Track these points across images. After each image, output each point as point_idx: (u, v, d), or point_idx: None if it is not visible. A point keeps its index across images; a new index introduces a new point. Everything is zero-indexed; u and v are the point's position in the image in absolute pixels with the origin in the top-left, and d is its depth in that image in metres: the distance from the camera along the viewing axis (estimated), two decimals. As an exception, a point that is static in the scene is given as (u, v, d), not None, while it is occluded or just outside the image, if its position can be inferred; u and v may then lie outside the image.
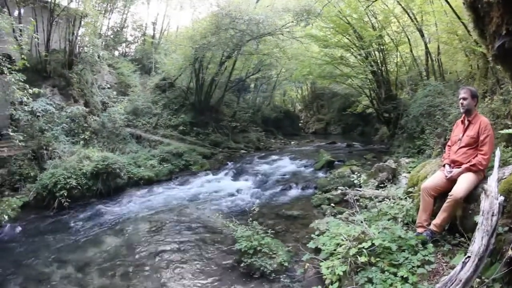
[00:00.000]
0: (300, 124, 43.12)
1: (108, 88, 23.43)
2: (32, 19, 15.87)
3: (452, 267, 4.33)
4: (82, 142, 17.06)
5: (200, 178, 16.83)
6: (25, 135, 13.94)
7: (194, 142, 22.04)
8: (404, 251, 5.02)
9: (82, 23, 20.69)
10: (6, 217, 11.93)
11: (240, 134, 26.48)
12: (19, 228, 11.93)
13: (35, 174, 14.44)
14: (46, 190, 13.32)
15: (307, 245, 6.60)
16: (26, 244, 10.83)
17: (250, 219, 7.93)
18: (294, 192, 13.27)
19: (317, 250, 6.47)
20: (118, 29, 34.00)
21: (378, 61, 19.78)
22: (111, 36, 32.53)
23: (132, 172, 16.14)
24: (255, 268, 6.90)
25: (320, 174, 15.15)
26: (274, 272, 6.77)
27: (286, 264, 6.95)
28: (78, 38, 21.29)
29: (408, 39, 18.19)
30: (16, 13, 17.93)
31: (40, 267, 8.95)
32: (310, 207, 10.99)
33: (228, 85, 27.12)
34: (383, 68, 19.90)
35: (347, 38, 20.19)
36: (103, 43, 25.73)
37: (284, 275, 6.73)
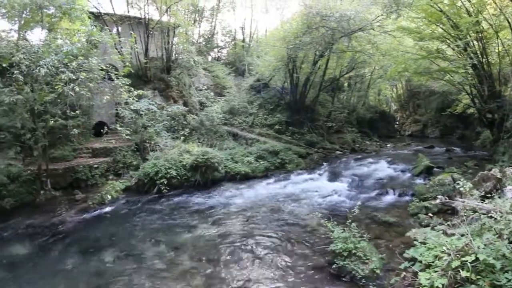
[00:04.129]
0: (395, 126, 41.24)
1: (206, 89, 24.95)
2: (132, 33, 18.70)
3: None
4: (182, 137, 18.68)
5: (296, 176, 17.11)
6: (130, 130, 15.77)
7: (289, 141, 22.36)
8: (508, 272, 4.59)
9: (175, 33, 23.01)
10: (109, 196, 14.13)
11: (335, 135, 26.12)
12: (120, 207, 13.68)
13: (137, 163, 16.69)
14: (148, 177, 15.11)
15: (404, 254, 6.43)
16: (125, 221, 12.23)
17: (349, 220, 7.76)
18: (390, 197, 12.82)
19: (411, 261, 6.25)
20: (209, 36, 36.50)
21: (478, 52, 17.49)
22: (203, 43, 35.03)
23: (229, 167, 17.09)
24: (346, 271, 6.87)
25: (418, 181, 14.33)
26: (364, 278, 6.67)
27: (377, 271, 6.79)
28: (173, 46, 23.53)
29: (509, 22, 16.00)
30: (114, 30, 20.83)
31: (135, 243, 10.05)
32: (406, 215, 10.55)
33: (323, 84, 26.86)
34: (483, 60, 17.54)
35: (441, 28, 18.33)
36: (197, 49, 27.75)
37: (375, 283, 6.62)
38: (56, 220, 12.55)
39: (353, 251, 7.09)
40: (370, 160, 19.66)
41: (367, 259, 7.04)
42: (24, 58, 13.10)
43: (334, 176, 16.50)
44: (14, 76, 12.88)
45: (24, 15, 15.63)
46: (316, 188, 14.68)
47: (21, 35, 16.31)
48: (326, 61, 25.25)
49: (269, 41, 27.88)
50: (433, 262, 5.42)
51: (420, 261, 5.74)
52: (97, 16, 20.16)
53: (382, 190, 13.50)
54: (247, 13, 64.08)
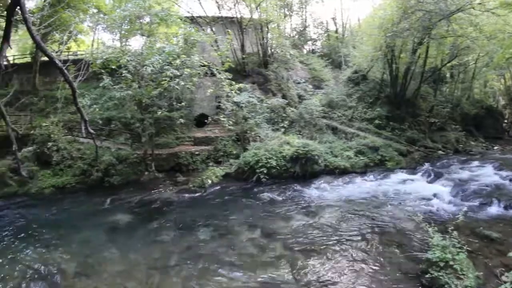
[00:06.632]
0: (504, 125, 35.44)
1: (303, 82, 25.29)
2: (229, 31, 20.12)
3: None
4: (282, 129, 19.66)
5: (395, 175, 16.72)
6: (231, 121, 17.43)
7: (389, 137, 21.76)
8: None
9: (268, 28, 24.06)
10: (209, 181, 15.84)
11: (437, 133, 24.31)
12: (219, 192, 15.03)
13: (237, 152, 18.07)
14: (248, 165, 16.28)
15: (503, 276, 6.14)
16: (223, 205, 13.36)
17: (451, 227, 7.36)
18: (495, 209, 11.53)
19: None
20: (301, 29, 37.03)
21: None
22: (296, 36, 35.64)
23: (329, 161, 17.51)
24: (438, 284, 6.57)
25: (529, 193, 12.66)
26: (456, 295, 6.28)
27: (471, 291, 6.31)
28: (268, 41, 24.69)
29: None
30: (208, 30, 22.71)
31: (230, 226, 10.94)
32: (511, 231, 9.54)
33: (424, 75, 25.22)
34: None
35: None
36: (291, 43, 28.21)
37: (467, 303, 6.22)
38: (157, 197, 14.45)
39: (450, 263, 6.75)
40: (475, 163, 18.17)
41: (463, 274, 6.65)
42: (131, 60, 14.91)
43: (435, 178, 15.70)
44: (123, 75, 14.84)
45: (123, 26, 17.67)
46: (416, 190, 14.20)
47: (123, 42, 18.51)
48: (426, 49, 23.57)
49: (365, 29, 27.27)
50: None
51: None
52: (191, 20, 21.98)
53: (487, 199, 12.22)
54: (337, 3, 62.65)
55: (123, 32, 19.19)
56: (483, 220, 10.62)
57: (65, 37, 22.43)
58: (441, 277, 6.61)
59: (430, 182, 15.52)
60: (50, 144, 16.79)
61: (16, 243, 10.18)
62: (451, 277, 6.58)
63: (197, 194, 14.91)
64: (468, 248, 7.37)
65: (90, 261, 8.86)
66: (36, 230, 11.24)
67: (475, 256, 8.02)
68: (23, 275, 8.20)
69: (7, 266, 8.63)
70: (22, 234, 10.81)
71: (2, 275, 8.18)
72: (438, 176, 16.01)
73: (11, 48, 5.78)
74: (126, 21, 18.03)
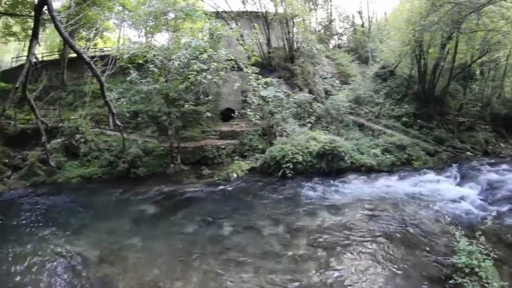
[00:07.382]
0: None
1: (330, 77, 25.09)
2: (255, 25, 20.11)
3: None
4: (309, 125, 19.60)
5: (422, 175, 16.24)
6: (257, 115, 17.36)
7: (417, 135, 21.23)
8: None
9: (294, 22, 23.95)
10: (235, 175, 16.01)
11: (466, 133, 23.20)
12: (244, 186, 15.07)
13: (263, 147, 18.19)
14: (274, 160, 16.27)
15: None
16: (247, 199, 13.41)
17: (479, 232, 7.15)
18: None
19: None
20: (327, 23, 36.67)
21: None
22: (322, 31, 35.41)
23: (355, 158, 17.33)
24: None
25: (562, 199, 12.02)
26: (480, 304, 6.13)
27: (495, 301, 6.14)
28: (294, 35, 24.59)
29: None
30: (233, 25, 22.52)
31: (254, 220, 11.02)
32: (541, 240, 9.04)
33: (453, 72, 24.25)
34: None
35: None
36: (317, 37, 28.25)
37: (490, 314, 6.08)
38: (182, 189, 14.64)
39: (476, 270, 6.60)
40: (505, 166, 17.20)
41: (487, 282, 6.48)
42: (157, 55, 15.09)
43: (463, 181, 15.15)
44: (149, 70, 15.06)
45: (148, 22, 18.08)
46: (443, 191, 13.78)
47: (149, 38, 18.88)
48: (455, 44, 22.72)
49: (392, 23, 26.88)
50: None
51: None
52: (216, 14, 22.46)
53: (516, 205, 11.57)
54: (363, -5, 61.34)
55: (148, 28, 19.52)
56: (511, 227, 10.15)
57: (91, 35, 22.96)
58: (465, 284, 6.48)
59: (457, 184, 15.03)
60: (78, 136, 17.31)
61: (42, 229, 10.68)
62: (475, 285, 6.45)
63: (222, 187, 15.06)
64: (494, 256, 7.10)
65: (114, 249, 9.21)
66: (62, 217, 11.80)
67: (501, 264, 7.73)
68: (47, 260, 8.61)
69: (32, 251, 9.04)
70: (48, 221, 11.34)
71: (27, 260, 8.57)
72: (466, 178, 15.50)
73: (39, 45, 5.99)
74: (151, 17, 18.34)
